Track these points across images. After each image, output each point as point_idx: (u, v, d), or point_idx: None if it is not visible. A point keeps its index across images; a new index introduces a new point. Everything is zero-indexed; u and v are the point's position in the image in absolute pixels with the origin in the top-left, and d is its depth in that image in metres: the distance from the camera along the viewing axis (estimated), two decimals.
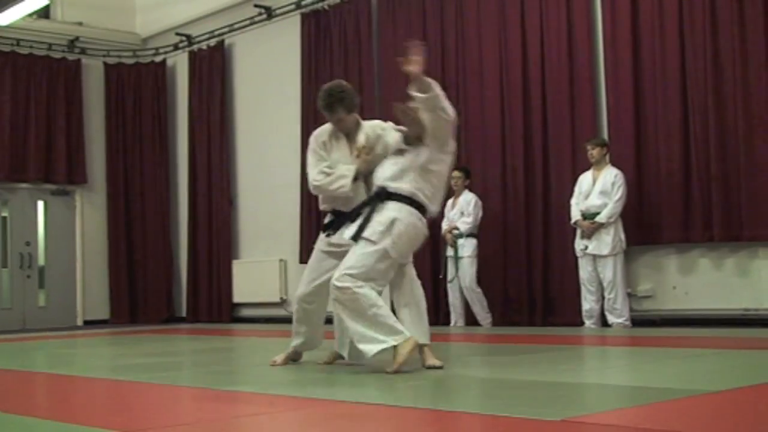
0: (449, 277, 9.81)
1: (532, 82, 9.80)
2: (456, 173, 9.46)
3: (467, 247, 9.71)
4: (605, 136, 9.16)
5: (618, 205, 8.67)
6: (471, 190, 9.87)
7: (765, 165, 8.08)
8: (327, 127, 5.79)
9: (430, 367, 5.17)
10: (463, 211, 9.75)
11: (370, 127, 5.77)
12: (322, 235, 5.78)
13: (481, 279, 9.77)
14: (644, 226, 8.85)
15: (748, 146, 8.17)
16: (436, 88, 5.09)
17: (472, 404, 3.88)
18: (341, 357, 5.77)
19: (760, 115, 8.13)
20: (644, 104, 8.93)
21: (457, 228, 9.71)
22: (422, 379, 4.82)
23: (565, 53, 9.50)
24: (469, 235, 9.72)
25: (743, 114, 8.21)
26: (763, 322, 8.07)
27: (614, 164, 8.85)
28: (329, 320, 5.75)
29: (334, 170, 5.60)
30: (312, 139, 5.83)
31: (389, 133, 5.70)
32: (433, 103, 5.10)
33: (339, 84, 5.77)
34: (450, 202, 9.72)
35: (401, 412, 3.79)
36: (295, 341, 5.87)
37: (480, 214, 9.77)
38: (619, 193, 8.67)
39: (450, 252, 9.81)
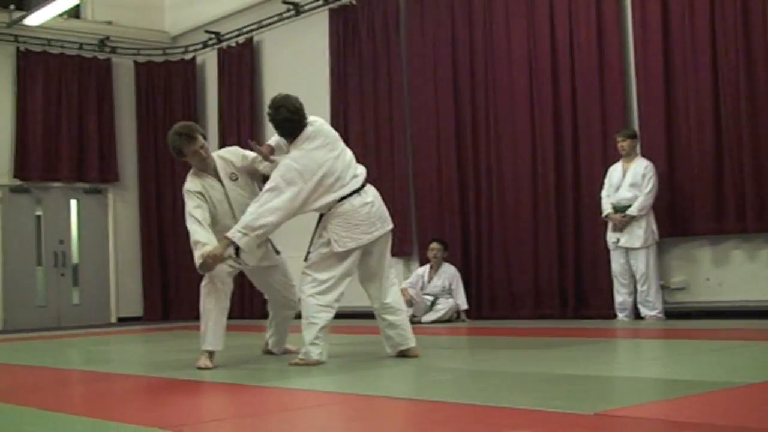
0: None
1: (562, 73, 9.74)
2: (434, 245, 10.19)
3: None
4: (635, 126, 9.09)
5: (649, 198, 8.61)
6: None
7: None
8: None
9: None
10: None
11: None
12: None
13: (513, 272, 9.79)
14: (676, 218, 8.78)
15: None
16: None
17: (504, 398, 3.87)
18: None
19: None
20: (675, 94, 8.84)
21: None
22: (448, 373, 4.82)
23: (595, 43, 9.44)
24: None
25: None
26: None
27: (645, 155, 8.79)
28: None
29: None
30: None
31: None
32: None
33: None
34: None
35: (431, 407, 3.80)
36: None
37: None
38: (649, 185, 8.60)
39: None
